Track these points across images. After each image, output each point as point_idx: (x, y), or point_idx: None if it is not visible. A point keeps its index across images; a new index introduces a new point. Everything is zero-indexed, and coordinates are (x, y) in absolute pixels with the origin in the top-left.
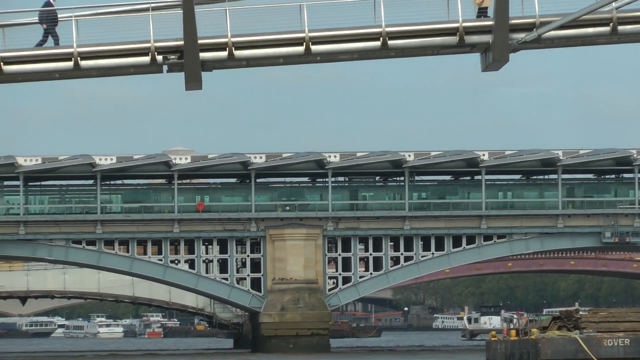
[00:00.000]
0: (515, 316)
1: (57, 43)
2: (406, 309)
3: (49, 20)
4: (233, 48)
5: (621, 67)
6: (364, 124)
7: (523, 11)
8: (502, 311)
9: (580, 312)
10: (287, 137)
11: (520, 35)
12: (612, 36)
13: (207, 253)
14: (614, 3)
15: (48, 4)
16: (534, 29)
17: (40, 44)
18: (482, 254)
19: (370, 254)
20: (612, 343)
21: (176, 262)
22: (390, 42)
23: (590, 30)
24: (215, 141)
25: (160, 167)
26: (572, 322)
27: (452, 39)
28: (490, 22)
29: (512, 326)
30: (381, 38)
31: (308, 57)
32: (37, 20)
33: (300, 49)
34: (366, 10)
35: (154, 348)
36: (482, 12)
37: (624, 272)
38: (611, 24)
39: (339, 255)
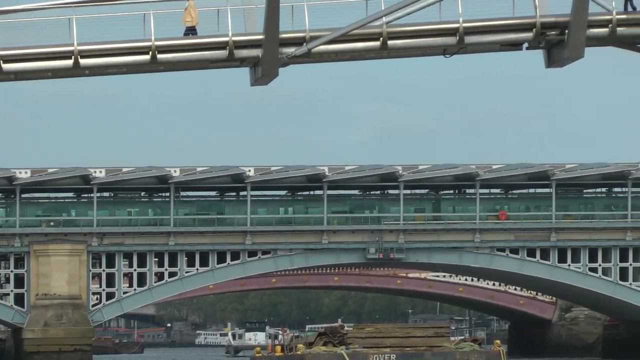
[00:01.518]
0: (280, 332)
1: None
2: (169, 325)
3: None
4: (1, 61)
5: (388, 82)
6: (130, 140)
7: (293, 25)
8: (267, 327)
9: (346, 328)
10: (54, 152)
11: (290, 50)
12: (381, 51)
13: None
14: (384, 18)
15: None
16: (304, 44)
17: None
18: (246, 270)
19: (135, 270)
20: (378, 358)
21: None
22: (160, 56)
23: (360, 45)
24: None
25: None
26: (337, 337)
27: (222, 53)
28: (260, 36)
29: (277, 342)
30: (150, 52)
31: (77, 71)
32: None
33: (69, 62)
34: (137, 24)
35: None
36: (190, 31)
37: (388, 288)
38: (381, 39)
39: (103, 270)
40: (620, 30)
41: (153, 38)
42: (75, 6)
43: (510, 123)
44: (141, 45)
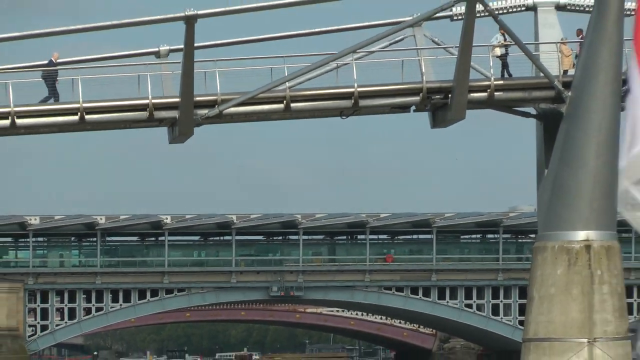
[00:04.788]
0: (199, 358)
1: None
2: (95, 353)
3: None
4: None
5: (279, 140)
6: (61, 190)
7: (206, 89)
8: (187, 355)
9: (254, 357)
10: None
11: (204, 111)
12: (285, 113)
13: None
14: (287, 83)
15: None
16: (216, 106)
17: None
18: (164, 305)
19: (66, 305)
20: None
21: None
22: (87, 117)
23: (266, 107)
24: None
25: None
26: None
27: (143, 114)
28: (177, 99)
29: None
30: (79, 113)
31: (12, 130)
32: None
33: (6, 122)
34: (66, 87)
35: None
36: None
37: (288, 321)
38: (285, 102)
39: (38, 306)
40: (497, 94)
41: (81, 100)
42: (12, 71)
43: (391, 175)
44: (70, 107)
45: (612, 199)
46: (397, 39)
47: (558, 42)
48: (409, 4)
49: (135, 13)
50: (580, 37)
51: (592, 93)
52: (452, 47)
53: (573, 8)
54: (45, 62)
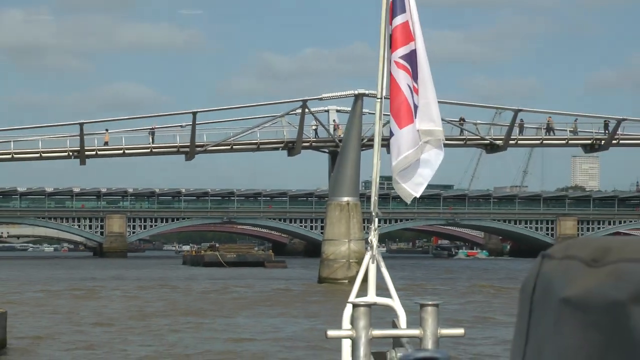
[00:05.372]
0: (195, 246)
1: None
2: (153, 242)
3: (152, 133)
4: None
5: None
6: (143, 174)
7: (200, 139)
8: (190, 244)
9: (217, 245)
10: (80, 176)
11: (200, 149)
12: (232, 150)
13: (89, 222)
14: (232, 138)
15: (152, 128)
16: (204, 147)
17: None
18: (182, 224)
19: (143, 223)
20: (229, 256)
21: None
22: (154, 150)
23: (224, 147)
24: None
25: None
26: (215, 249)
27: (174, 149)
28: (188, 143)
29: (193, 249)
30: (150, 149)
31: (123, 155)
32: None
33: (120, 151)
34: (145, 135)
35: (63, 255)
36: (105, 144)
37: (230, 231)
38: (231, 146)
39: (132, 223)
40: (314, 144)
41: (152, 144)
42: (125, 131)
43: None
44: (146, 146)
45: (357, 184)
46: (274, 122)
47: (334, 124)
48: (281, 107)
49: (167, 107)
50: (333, 121)
51: (349, 144)
52: (296, 126)
53: (342, 111)
54: (151, 127)
